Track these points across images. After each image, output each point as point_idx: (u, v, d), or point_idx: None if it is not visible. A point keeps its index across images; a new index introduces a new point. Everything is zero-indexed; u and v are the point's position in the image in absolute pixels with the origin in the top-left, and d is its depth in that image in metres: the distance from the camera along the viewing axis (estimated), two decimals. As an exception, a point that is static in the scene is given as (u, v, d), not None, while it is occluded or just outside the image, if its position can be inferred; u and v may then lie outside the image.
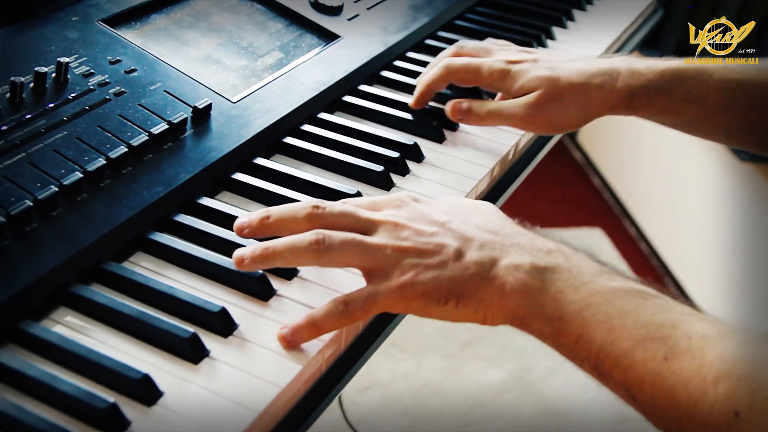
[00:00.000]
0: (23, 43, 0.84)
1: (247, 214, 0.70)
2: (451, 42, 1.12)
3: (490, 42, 0.99)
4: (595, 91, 0.88)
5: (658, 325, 0.59)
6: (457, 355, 1.99)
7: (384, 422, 1.82)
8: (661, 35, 2.04)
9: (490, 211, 0.72)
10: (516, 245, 0.67)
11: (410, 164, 0.90)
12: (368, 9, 1.11)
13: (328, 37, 1.03)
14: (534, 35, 1.20)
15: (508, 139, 0.97)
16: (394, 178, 0.87)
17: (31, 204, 0.68)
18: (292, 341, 0.65)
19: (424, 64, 1.08)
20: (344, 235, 0.67)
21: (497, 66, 0.91)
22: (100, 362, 0.62)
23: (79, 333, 0.66)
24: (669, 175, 2.34)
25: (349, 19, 1.07)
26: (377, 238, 0.67)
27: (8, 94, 0.77)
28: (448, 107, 0.93)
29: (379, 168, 0.86)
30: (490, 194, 0.93)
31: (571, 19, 1.30)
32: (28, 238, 0.67)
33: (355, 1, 1.11)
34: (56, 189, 0.70)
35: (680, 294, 2.17)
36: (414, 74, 1.06)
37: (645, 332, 0.59)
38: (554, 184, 2.63)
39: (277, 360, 0.65)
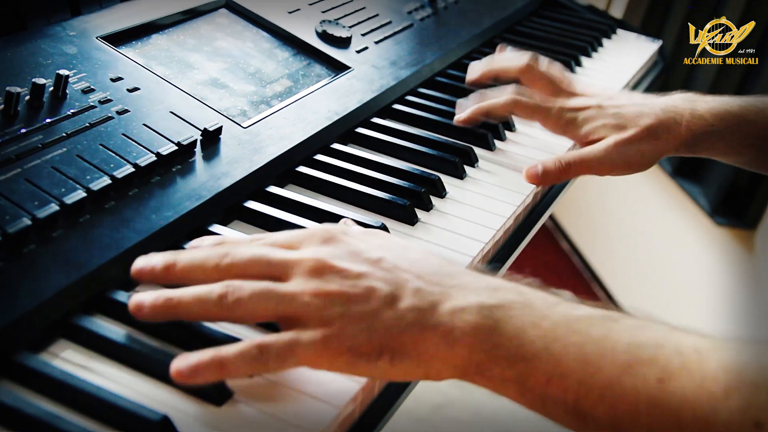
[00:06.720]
0: (17, 55, 0.76)
1: (150, 255, 0.59)
2: (461, 80, 1.07)
3: (554, 72, 0.99)
4: (664, 132, 0.90)
5: (640, 345, 0.52)
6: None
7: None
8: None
9: (424, 250, 0.63)
10: (457, 286, 0.58)
11: (433, 200, 0.84)
12: (376, 42, 1.06)
13: (337, 67, 0.98)
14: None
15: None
16: (419, 213, 0.81)
17: (30, 223, 0.61)
18: (188, 378, 0.54)
19: (436, 99, 1.03)
20: (254, 285, 0.57)
21: (566, 116, 0.93)
22: (112, 401, 0.53)
23: (84, 369, 0.58)
24: (640, 239, 2.32)
25: (358, 51, 1.02)
26: (293, 284, 0.57)
27: (2, 106, 0.69)
28: (523, 175, 0.92)
29: (404, 202, 0.80)
30: (513, 236, 0.87)
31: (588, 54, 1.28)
32: (25, 260, 0.59)
33: (362, 35, 1.05)
34: (57, 208, 0.63)
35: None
36: (427, 109, 1.00)
37: (629, 357, 0.52)
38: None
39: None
